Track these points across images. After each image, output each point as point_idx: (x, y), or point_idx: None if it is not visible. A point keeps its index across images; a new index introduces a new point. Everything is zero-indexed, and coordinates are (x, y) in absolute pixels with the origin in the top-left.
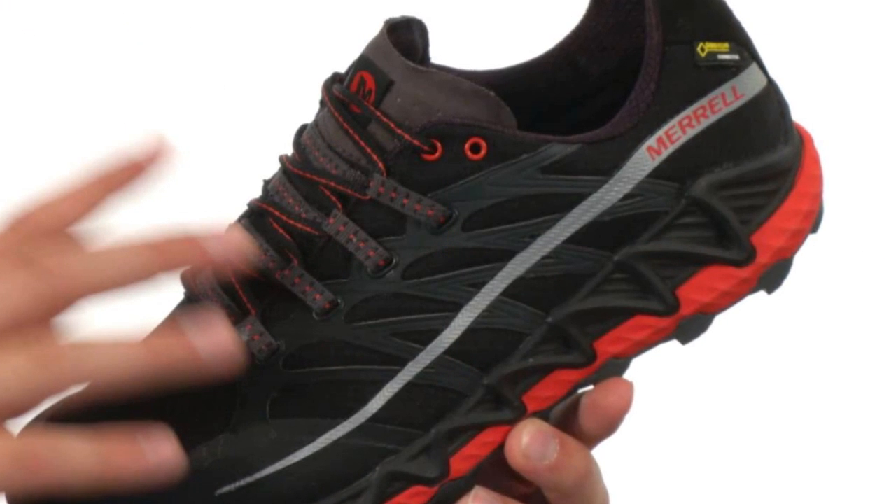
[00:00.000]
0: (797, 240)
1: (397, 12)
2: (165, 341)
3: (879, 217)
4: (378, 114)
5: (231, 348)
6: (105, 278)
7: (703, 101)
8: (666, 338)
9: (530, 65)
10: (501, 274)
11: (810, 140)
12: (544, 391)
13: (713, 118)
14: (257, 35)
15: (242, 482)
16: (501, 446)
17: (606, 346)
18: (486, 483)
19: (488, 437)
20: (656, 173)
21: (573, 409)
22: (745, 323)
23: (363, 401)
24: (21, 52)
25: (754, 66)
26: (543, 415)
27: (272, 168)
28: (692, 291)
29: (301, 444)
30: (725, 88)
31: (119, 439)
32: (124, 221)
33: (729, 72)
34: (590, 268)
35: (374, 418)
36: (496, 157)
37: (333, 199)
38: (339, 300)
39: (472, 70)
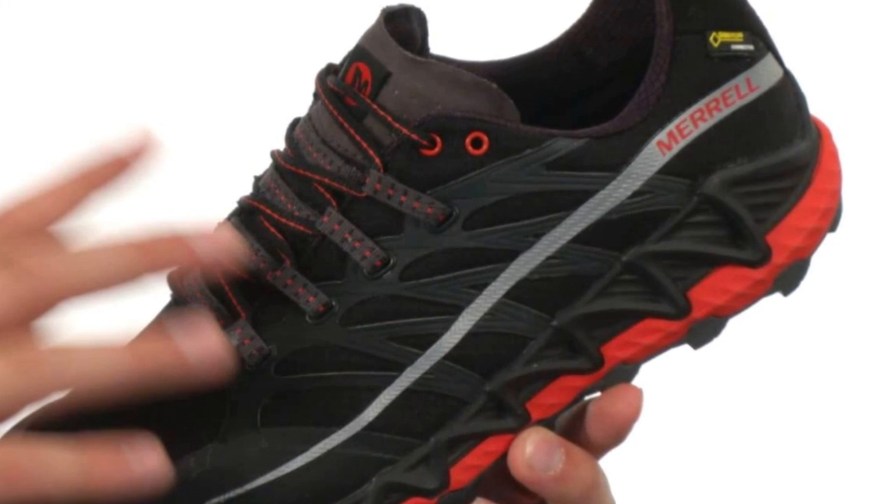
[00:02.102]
0: (815, 239)
1: (395, 0)
2: (151, 346)
3: None
4: (374, 107)
5: (220, 353)
6: (88, 279)
7: (716, 94)
8: (677, 342)
9: (534, 55)
10: (504, 275)
11: (828, 134)
12: (549, 398)
13: (726, 111)
14: (249, 25)
15: (232, 493)
16: (504, 456)
17: (614, 351)
18: (487, 495)
19: (490, 447)
20: (667, 169)
21: (579, 416)
22: (759, 326)
23: (359, 408)
24: None
25: (769, 56)
26: (548, 423)
27: (263, 164)
28: (704, 293)
29: (294, 454)
30: (739, 80)
31: (102, 448)
32: (108, 220)
33: (743, 63)
34: (597, 268)
35: (371, 427)
36: (498, 152)
37: (328, 196)
38: (333, 302)
39: (473, 61)
